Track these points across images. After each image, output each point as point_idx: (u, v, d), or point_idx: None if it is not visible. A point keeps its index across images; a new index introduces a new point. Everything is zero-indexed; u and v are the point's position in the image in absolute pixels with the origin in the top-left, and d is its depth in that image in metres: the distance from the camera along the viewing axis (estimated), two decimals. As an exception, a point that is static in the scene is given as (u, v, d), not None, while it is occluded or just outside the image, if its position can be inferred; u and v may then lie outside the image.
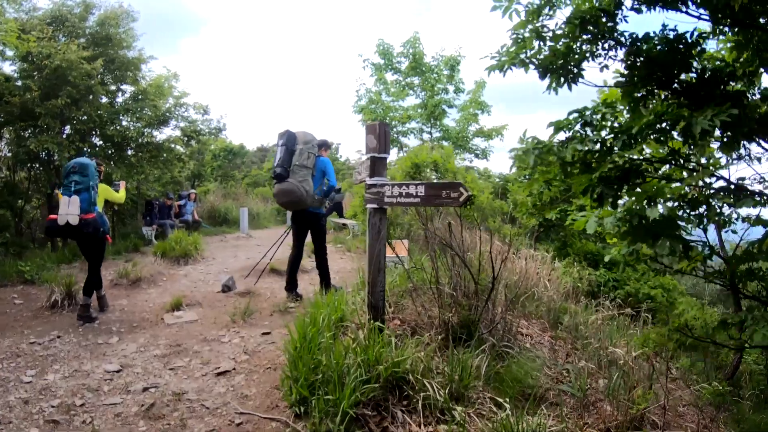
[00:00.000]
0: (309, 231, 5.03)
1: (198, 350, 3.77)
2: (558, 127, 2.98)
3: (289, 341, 2.94)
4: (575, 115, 2.99)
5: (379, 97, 9.66)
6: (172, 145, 9.94)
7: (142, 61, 9.15)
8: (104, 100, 8.84)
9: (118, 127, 8.47)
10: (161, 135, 9.79)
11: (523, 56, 2.91)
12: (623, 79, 2.98)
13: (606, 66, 2.94)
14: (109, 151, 8.97)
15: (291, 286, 5.09)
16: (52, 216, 4.56)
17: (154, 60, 9.50)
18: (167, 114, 9.34)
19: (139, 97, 8.93)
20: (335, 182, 5.13)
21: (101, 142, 8.93)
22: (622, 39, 2.87)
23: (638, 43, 2.84)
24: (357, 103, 10.28)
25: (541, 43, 2.91)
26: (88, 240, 4.64)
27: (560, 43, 2.88)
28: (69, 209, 4.38)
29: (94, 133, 8.64)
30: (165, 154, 9.71)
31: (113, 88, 9.08)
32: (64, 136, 8.01)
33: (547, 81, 2.91)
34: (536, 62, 2.90)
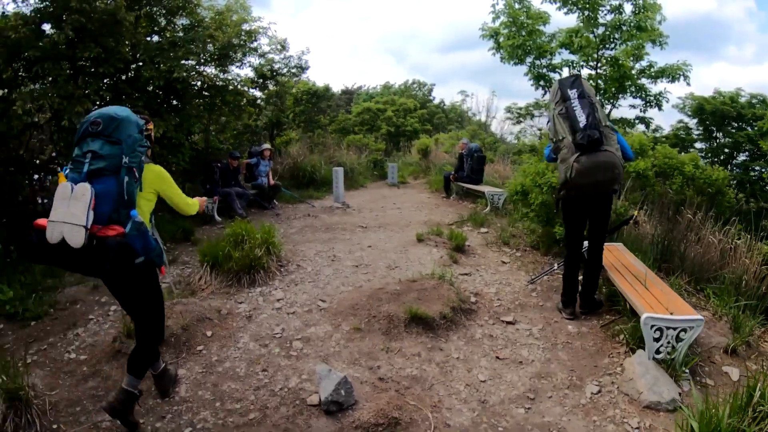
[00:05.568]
0: (594, 217, 3.60)
1: None
2: None
3: None
4: None
5: (518, 16, 6.50)
6: (244, 88, 7.22)
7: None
8: (156, 39, 6.18)
9: (162, 67, 5.61)
10: (226, 75, 7.14)
11: None
12: None
13: None
14: (159, 100, 6.25)
15: (568, 300, 3.81)
16: (40, 222, 2.01)
17: None
18: (229, 49, 6.60)
19: (196, 26, 6.09)
20: (633, 155, 3.76)
21: (153, 89, 6.08)
22: None
23: None
24: (489, 24, 6.71)
25: None
26: (115, 279, 2.24)
27: None
28: (70, 209, 1.91)
29: (123, 77, 5.82)
30: (232, 99, 7.04)
31: (163, 22, 6.32)
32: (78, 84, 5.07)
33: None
34: None
